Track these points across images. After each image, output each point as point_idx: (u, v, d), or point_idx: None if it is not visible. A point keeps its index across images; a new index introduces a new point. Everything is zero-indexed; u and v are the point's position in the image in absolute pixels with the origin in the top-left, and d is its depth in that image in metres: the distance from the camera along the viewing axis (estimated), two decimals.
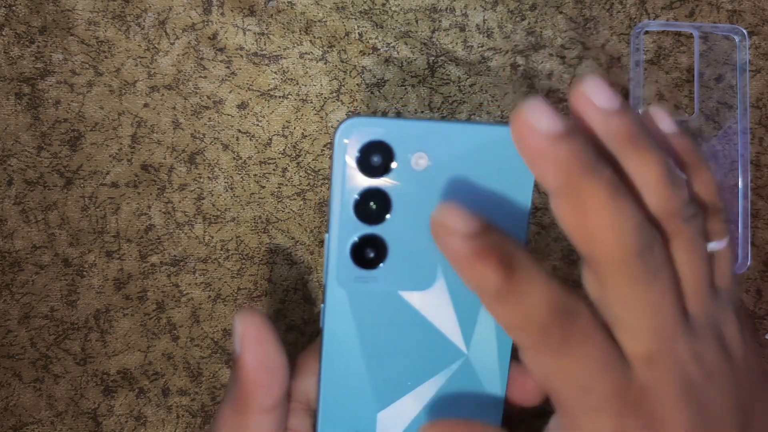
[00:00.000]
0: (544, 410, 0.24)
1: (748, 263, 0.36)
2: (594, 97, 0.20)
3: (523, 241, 0.24)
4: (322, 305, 0.24)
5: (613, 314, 0.20)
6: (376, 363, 0.24)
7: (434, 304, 0.24)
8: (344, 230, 0.23)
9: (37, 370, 0.35)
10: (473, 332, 0.24)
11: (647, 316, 0.20)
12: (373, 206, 0.23)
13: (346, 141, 0.22)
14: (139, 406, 0.36)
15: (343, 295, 0.24)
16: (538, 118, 0.18)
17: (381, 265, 0.23)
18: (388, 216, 0.23)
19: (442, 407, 0.25)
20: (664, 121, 0.23)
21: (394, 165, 0.23)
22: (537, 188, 0.36)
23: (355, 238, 0.23)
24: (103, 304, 0.36)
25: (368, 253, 0.23)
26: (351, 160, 0.23)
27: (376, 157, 0.23)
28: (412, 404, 0.25)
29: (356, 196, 0.23)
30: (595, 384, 0.20)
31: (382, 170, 0.23)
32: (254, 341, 0.23)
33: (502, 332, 0.24)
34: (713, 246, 0.22)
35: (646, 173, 0.20)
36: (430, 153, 0.23)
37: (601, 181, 0.19)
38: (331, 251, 0.23)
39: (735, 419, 0.21)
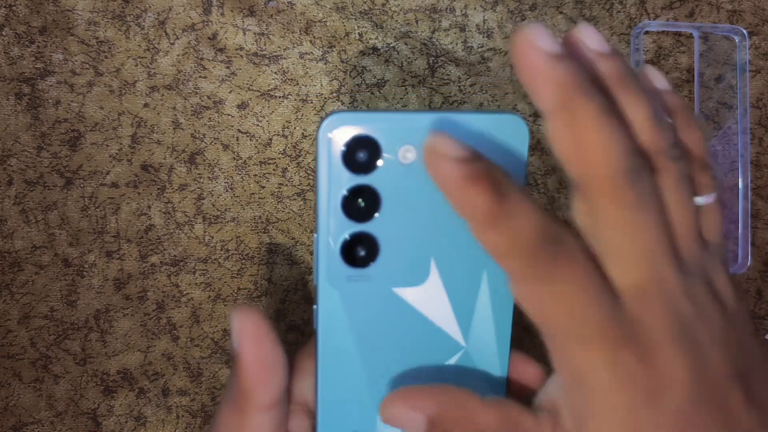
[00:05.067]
0: None
1: (748, 263, 0.36)
2: (587, 40, 0.20)
3: None
4: (315, 307, 0.24)
5: (603, 242, 0.20)
6: (373, 362, 0.24)
7: (429, 299, 0.24)
8: (333, 229, 0.23)
9: (37, 370, 0.35)
10: (470, 324, 0.24)
11: (636, 242, 0.19)
12: (361, 203, 0.22)
13: (330, 137, 0.22)
14: (139, 406, 0.36)
15: (335, 295, 0.23)
16: (539, 38, 0.19)
17: (373, 263, 0.23)
18: (377, 213, 0.23)
19: None
20: (658, 79, 0.23)
21: (381, 160, 0.22)
22: (538, 188, 0.36)
23: (345, 237, 0.23)
24: (103, 304, 0.36)
25: (359, 252, 0.23)
26: (336, 157, 0.22)
27: (362, 153, 0.22)
28: None
29: (344, 194, 0.22)
30: (586, 314, 0.19)
31: (369, 166, 0.22)
32: (252, 338, 0.23)
33: (500, 321, 0.24)
34: (701, 201, 0.22)
35: (633, 112, 0.20)
36: (418, 145, 0.22)
37: (594, 103, 0.19)
38: (320, 251, 0.23)
39: (729, 370, 0.20)
